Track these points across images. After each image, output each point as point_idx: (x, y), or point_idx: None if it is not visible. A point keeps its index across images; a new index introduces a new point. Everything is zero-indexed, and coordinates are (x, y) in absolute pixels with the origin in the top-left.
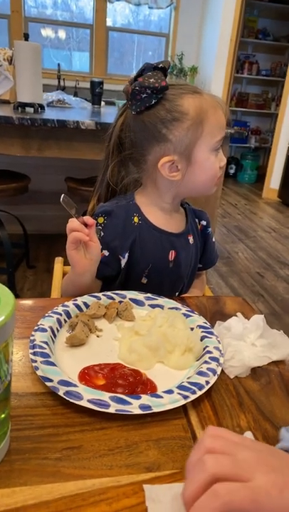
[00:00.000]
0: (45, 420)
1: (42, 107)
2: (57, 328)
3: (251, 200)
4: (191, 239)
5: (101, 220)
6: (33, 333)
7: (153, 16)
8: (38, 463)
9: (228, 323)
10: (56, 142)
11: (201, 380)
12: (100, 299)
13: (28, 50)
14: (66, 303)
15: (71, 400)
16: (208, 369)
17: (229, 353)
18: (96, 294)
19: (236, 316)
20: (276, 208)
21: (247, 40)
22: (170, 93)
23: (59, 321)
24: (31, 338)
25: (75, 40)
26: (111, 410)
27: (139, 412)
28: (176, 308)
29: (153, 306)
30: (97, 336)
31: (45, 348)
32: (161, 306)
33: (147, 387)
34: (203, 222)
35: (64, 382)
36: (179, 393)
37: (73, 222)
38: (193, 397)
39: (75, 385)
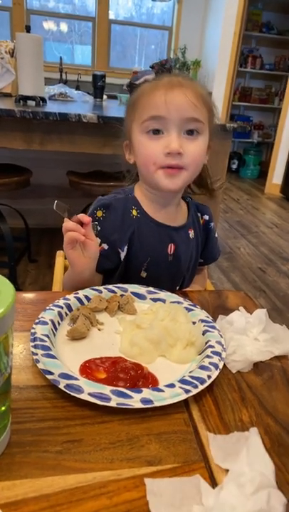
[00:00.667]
0: (46, 413)
1: (44, 100)
2: (58, 321)
3: (254, 195)
4: (191, 233)
5: (100, 213)
6: (34, 326)
7: (156, 8)
8: (38, 456)
9: (230, 317)
10: (58, 136)
11: (203, 374)
12: (101, 292)
13: (30, 43)
14: (67, 296)
15: (72, 393)
16: (210, 363)
17: (231, 348)
18: (97, 288)
19: (238, 310)
20: (279, 204)
21: (251, 34)
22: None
23: (60, 314)
24: (32, 331)
25: (77, 33)
26: (112, 404)
27: (140, 405)
28: (178, 302)
29: (155, 300)
30: (99, 330)
31: (46, 341)
32: (163, 300)
33: (149, 380)
34: (206, 217)
35: (65, 376)
36: (180, 387)
37: (68, 222)
38: (194, 391)
39: (75, 378)
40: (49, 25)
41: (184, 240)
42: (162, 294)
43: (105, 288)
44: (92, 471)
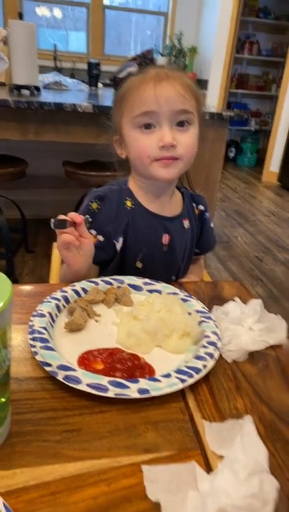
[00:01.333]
0: (45, 404)
1: (38, 89)
2: (56, 314)
3: (251, 183)
4: (186, 223)
5: (95, 205)
6: (31, 318)
7: None
8: (38, 445)
9: (225, 307)
10: (53, 126)
11: (199, 364)
12: (98, 284)
13: (23, 30)
14: (64, 288)
15: (70, 385)
16: (205, 353)
17: (227, 338)
18: (94, 280)
19: (234, 300)
20: (276, 192)
21: (247, 19)
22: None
23: (58, 307)
24: (30, 323)
25: (71, 20)
26: (110, 394)
27: (137, 396)
28: (174, 294)
29: (151, 291)
30: (96, 321)
31: (44, 334)
32: (159, 291)
33: (145, 371)
34: (201, 207)
35: (63, 367)
36: (176, 377)
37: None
38: (190, 380)
39: (74, 370)
40: (42, 11)
41: (179, 230)
42: (158, 286)
43: (102, 280)
44: (91, 459)
